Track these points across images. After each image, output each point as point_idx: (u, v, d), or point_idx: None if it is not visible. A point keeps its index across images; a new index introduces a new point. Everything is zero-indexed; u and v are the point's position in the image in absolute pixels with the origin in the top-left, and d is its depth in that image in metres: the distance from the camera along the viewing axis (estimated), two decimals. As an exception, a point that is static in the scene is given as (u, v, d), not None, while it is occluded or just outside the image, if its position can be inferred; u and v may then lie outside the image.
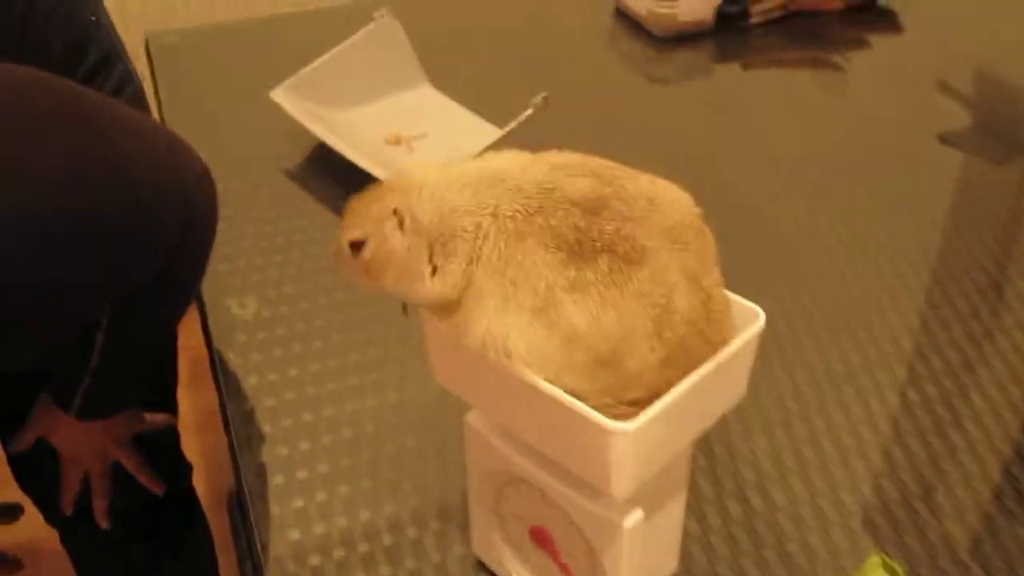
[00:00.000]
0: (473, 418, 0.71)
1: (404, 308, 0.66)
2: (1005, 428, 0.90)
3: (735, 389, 0.65)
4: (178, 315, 0.91)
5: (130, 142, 0.74)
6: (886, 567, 0.75)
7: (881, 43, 1.53)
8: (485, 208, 0.60)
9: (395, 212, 0.62)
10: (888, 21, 1.56)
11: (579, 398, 0.58)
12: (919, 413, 0.92)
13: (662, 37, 1.46)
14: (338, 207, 1.16)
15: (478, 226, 0.60)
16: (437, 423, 0.90)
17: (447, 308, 0.62)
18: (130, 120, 0.76)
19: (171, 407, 1.17)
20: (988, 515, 0.83)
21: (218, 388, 0.95)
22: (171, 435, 1.18)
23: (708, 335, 0.61)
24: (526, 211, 0.60)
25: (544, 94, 1.10)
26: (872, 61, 1.49)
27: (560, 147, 1.10)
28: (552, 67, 1.42)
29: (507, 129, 1.09)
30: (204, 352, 1.02)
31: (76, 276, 0.74)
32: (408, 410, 0.91)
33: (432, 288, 0.62)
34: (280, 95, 1.20)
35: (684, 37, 1.46)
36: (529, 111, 1.09)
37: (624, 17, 1.52)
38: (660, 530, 0.71)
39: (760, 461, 0.87)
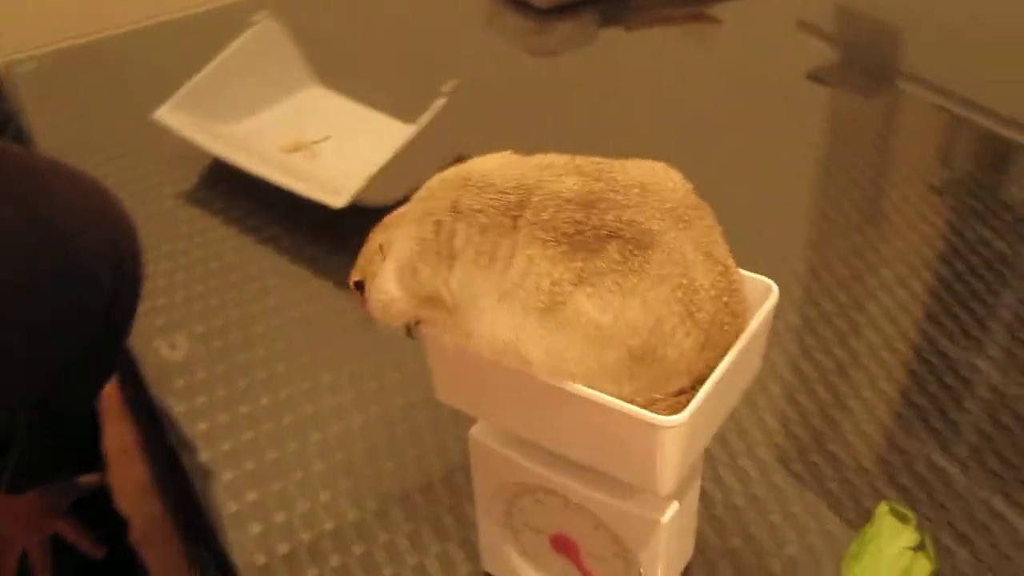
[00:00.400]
0: (479, 432, 0.67)
1: (408, 330, 0.62)
2: (902, 359, 0.92)
3: (757, 363, 0.63)
4: (111, 372, 0.84)
5: (57, 194, 0.67)
6: (895, 513, 0.76)
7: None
8: (443, 205, 0.58)
9: (380, 248, 0.61)
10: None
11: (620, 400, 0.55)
12: (817, 355, 0.93)
13: (544, 9, 1.43)
14: (248, 225, 1.10)
15: (439, 225, 0.58)
16: (411, 440, 0.86)
17: (441, 314, 0.59)
18: (52, 169, 0.68)
19: (100, 463, 1.09)
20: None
21: (164, 440, 0.88)
22: (104, 493, 1.10)
23: (733, 308, 0.58)
24: (502, 206, 0.57)
25: (455, 81, 1.06)
26: (743, 9, 1.51)
27: (459, 132, 1.08)
28: (438, 54, 1.38)
29: (423, 122, 1.04)
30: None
31: (6, 346, 0.67)
32: (377, 432, 0.87)
33: (407, 294, 0.59)
34: (165, 115, 1.12)
35: (566, 6, 1.44)
36: (442, 100, 1.05)
37: (501, -7, 1.49)
38: (685, 518, 0.69)
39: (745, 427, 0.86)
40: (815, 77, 1.38)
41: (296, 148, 1.14)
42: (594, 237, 0.55)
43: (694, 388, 0.57)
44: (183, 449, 0.86)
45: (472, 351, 0.59)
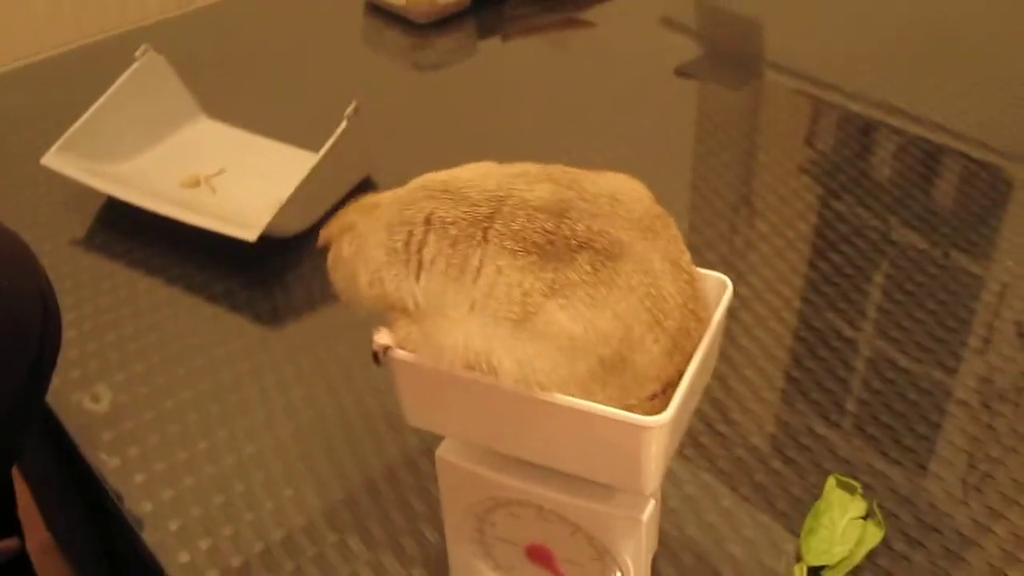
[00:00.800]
0: (446, 452, 0.67)
1: (375, 358, 0.61)
2: (777, 337, 0.96)
3: (716, 358, 0.65)
4: (36, 424, 0.81)
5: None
6: (842, 485, 0.79)
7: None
8: (419, 216, 0.59)
9: (351, 227, 0.63)
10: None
11: None
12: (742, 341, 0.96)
13: (422, 24, 1.44)
14: (154, 266, 1.07)
15: (410, 235, 0.59)
16: (358, 466, 0.85)
17: (407, 324, 0.60)
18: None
19: (16, 528, 1.03)
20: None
21: (101, 497, 0.85)
22: (22, 560, 1.05)
23: (699, 313, 0.60)
24: (472, 217, 0.58)
25: (355, 103, 1.05)
26: (608, 10, 1.54)
27: (359, 154, 1.07)
28: (323, 78, 1.36)
29: (327, 146, 1.03)
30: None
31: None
32: (321, 462, 0.85)
33: (372, 297, 0.61)
34: (54, 159, 1.07)
35: (444, 20, 1.44)
36: (344, 124, 1.04)
37: (378, 12, 1.48)
38: (656, 513, 0.70)
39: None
40: (683, 72, 1.42)
41: (196, 183, 1.12)
42: (565, 248, 0.57)
43: (665, 391, 0.59)
44: (123, 503, 0.82)
45: (443, 372, 0.59)
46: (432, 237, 0.58)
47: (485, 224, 0.57)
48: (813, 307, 0.99)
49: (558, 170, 0.60)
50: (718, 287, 0.64)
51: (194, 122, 1.19)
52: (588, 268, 0.56)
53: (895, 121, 1.27)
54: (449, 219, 0.58)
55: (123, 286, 1.03)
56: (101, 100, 1.11)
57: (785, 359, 0.94)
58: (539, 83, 1.37)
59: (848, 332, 0.96)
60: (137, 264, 1.05)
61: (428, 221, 0.59)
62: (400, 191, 0.62)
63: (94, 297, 1.01)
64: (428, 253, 0.58)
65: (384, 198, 0.62)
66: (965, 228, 1.08)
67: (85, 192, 1.09)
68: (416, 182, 0.62)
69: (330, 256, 0.64)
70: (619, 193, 0.59)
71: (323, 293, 1.02)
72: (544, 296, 0.56)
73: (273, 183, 1.05)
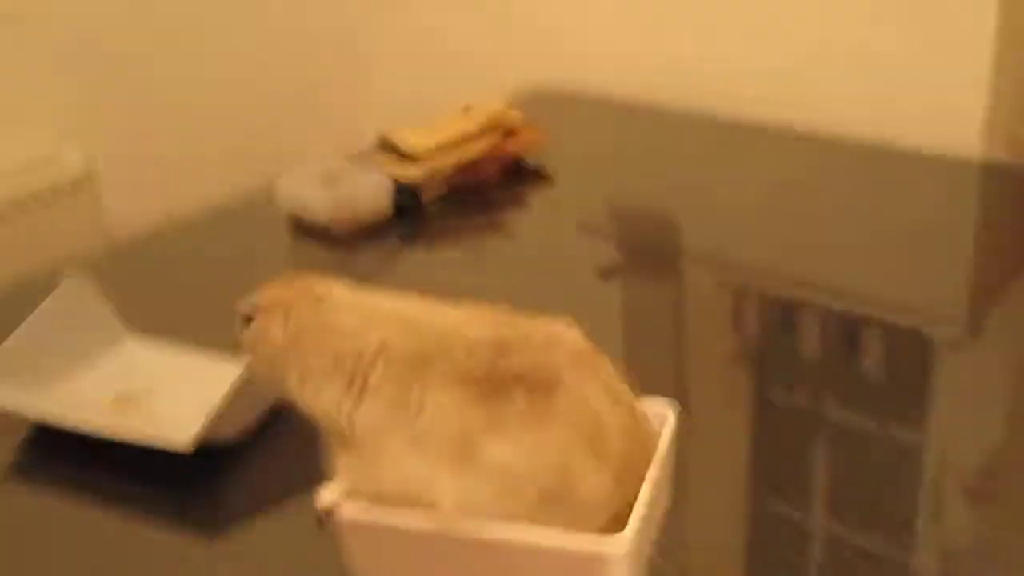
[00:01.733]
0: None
1: (320, 521, 0.59)
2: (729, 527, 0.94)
3: (668, 489, 0.64)
4: None
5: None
6: None
7: (535, 198, 1.64)
8: (372, 338, 0.61)
9: (285, 310, 0.63)
10: (538, 178, 1.68)
11: None
12: None
13: (344, 237, 1.47)
14: (85, 493, 1.01)
15: (360, 354, 0.60)
16: None
17: (342, 451, 0.60)
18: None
19: None
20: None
21: None
22: None
23: (643, 440, 0.61)
24: (420, 351, 0.60)
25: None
26: (531, 216, 1.60)
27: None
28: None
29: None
30: None
31: None
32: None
33: (300, 395, 0.62)
34: (-26, 390, 1.05)
35: (366, 232, 1.48)
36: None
37: (301, 229, 1.52)
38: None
39: None
40: (604, 273, 1.45)
41: (125, 402, 1.09)
42: (501, 382, 0.58)
43: (617, 524, 0.58)
44: None
45: (395, 527, 0.58)
46: (381, 364, 0.59)
47: (430, 359, 0.59)
48: (760, 492, 0.97)
49: (498, 313, 0.63)
50: (662, 415, 0.64)
51: (120, 344, 1.18)
52: (524, 402, 0.58)
53: (817, 298, 1.30)
54: (399, 350, 0.59)
55: (55, 522, 0.97)
56: (23, 326, 1.09)
57: (738, 548, 0.91)
58: (464, 289, 1.37)
59: (796, 516, 0.94)
60: (68, 493, 1.01)
61: (382, 347, 0.59)
62: (350, 297, 0.63)
63: (19, 528, 0.96)
64: (374, 380, 0.59)
65: (334, 295, 0.63)
66: (897, 396, 1.09)
67: (9, 422, 1.06)
68: (370, 299, 0.63)
69: (253, 328, 0.63)
70: (553, 335, 0.62)
71: (271, 502, 0.98)
72: (482, 432, 0.57)
73: (206, 397, 1.03)
